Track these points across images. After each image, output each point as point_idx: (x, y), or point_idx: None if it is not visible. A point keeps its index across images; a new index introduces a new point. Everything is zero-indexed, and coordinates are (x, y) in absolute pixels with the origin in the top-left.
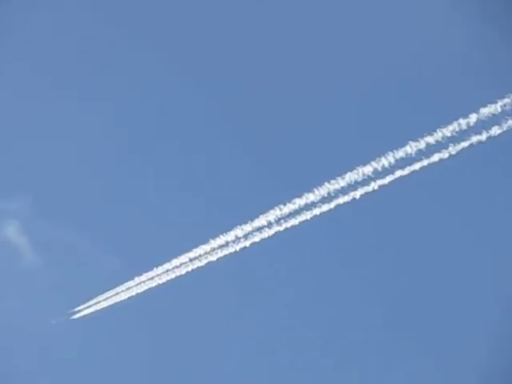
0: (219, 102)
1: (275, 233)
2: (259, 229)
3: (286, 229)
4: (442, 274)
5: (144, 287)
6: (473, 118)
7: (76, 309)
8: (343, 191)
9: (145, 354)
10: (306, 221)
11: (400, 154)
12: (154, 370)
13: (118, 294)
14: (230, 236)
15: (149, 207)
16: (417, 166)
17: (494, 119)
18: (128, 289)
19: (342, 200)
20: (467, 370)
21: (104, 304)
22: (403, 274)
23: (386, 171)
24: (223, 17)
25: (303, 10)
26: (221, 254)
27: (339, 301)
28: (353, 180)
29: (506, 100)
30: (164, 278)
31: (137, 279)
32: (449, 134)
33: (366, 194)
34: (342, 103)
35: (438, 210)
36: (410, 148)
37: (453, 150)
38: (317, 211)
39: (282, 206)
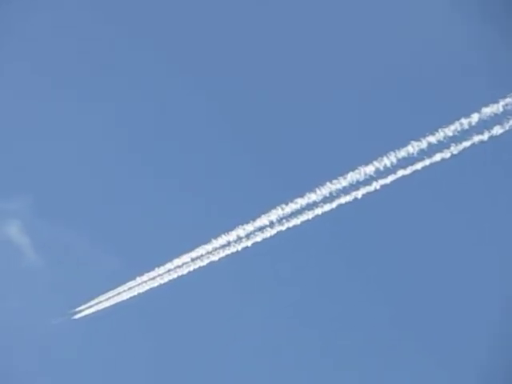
0: (220, 102)
1: (277, 233)
2: (261, 228)
3: (288, 229)
4: (444, 273)
5: (145, 287)
6: (475, 117)
7: (77, 309)
8: (345, 191)
9: (146, 355)
10: (308, 220)
11: (402, 153)
12: (155, 371)
13: (119, 294)
14: (232, 236)
15: (150, 207)
16: (419, 166)
17: (496, 119)
18: (129, 289)
19: (343, 200)
20: (469, 370)
21: (105, 304)
22: (405, 273)
23: (388, 171)
24: (223, 17)
25: (303, 10)
26: (223, 253)
27: (342, 301)
28: (355, 180)
29: (508, 100)
30: (166, 278)
31: (138, 279)
32: (451, 134)
33: (368, 193)
34: (343, 103)
35: (440, 210)
36: (412, 148)
37: (455, 149)
38: (319, 211)
39: (283, 206)
